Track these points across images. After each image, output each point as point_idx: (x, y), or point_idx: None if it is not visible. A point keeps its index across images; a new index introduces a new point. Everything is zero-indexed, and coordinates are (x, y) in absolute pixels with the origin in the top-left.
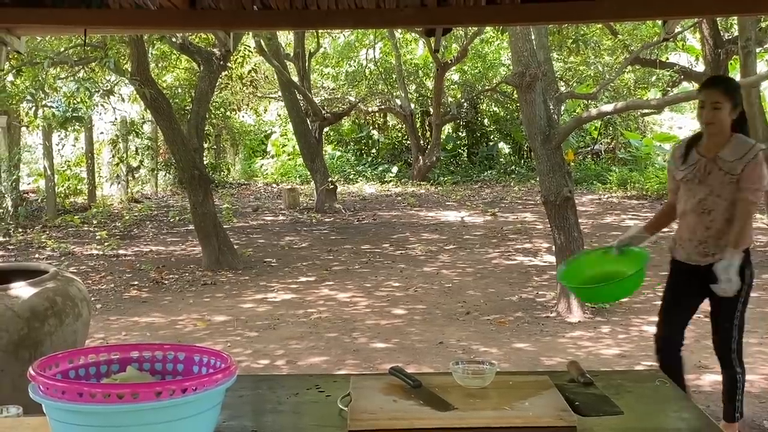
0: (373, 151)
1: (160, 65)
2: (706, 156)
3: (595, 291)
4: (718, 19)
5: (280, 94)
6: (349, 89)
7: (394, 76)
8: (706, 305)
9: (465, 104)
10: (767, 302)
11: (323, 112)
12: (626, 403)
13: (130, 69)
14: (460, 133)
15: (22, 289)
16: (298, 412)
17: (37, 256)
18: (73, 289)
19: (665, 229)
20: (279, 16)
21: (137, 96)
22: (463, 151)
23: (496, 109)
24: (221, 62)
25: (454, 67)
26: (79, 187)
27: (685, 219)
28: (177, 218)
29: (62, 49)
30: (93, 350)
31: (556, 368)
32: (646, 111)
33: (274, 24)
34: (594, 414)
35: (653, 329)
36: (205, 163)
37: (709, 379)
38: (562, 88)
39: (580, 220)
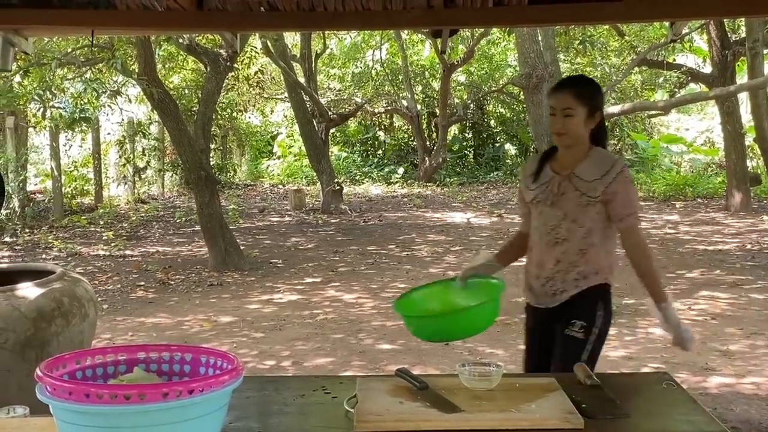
0: (380, 152)
1: (167, 66)
2: (561, 173)
3: (433, 322)
4: (725, 20)
5: (286, 95)
6: (356, 90)
7: (400, 77)
8: (712, 307)
9: (471, 105)
10: None
11: (329, 113)
12: (633, 405)
13: (137, 70)
14: (466, 134)
15: (29, 290)
16: (305, 413)
17: (44, 256)
18: (80, 290)
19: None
20: (286, 17)
21: (144, 97)
22: (470, 152)
23: (502, 110)
24: (228, 63)
25: (460, 68)
26: (85, 188)
27: (534, 251)
28: (183, 219)
29: (69, 50)
30: (100, 351)
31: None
32: (653, 112)
33: (281, 25)
34: (601, 416)
35: (660, 331)
36: (211, 163)
37: (715, 381)
38: None
39: None
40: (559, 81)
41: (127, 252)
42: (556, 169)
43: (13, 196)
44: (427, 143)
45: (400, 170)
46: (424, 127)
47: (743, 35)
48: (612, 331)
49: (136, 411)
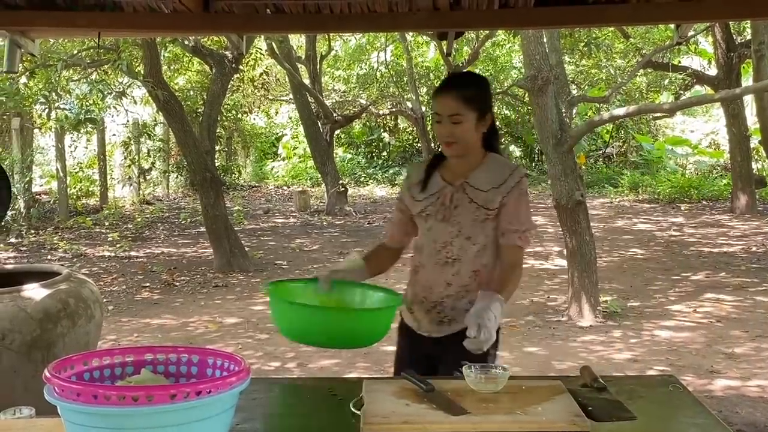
0: (384, 153)
1: (172, 67)
2: (453, 183)
3: (316, 316)
4: (731, 22)
5: (291, 96)
6: (360, 92)
7: (405, 79)
8: (717, 309)
9: None
10: None
11: (334, 114)
12: (639, 408)
13: (142, 71)
14: None
15: (35, 291)
16: (311, 415)
17: (49, 257)
18: (86, 291)
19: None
20: (292, 19)
21: (149, 98)
22: None
23: (507, 112)
24: (233, 65)
25: (465, 70)
26: (91, 189)
27: (421, 272)
28: (188, 220)
29: (75, 52)
30: (107, 352)
31: (568, 372)
32: (658, 114)
33: (287, 27)
34: (607, 419)
35: (665, 333)
36: (216, 165)
37: (720, 384)
38: (574, 91)
39: (591, 224)
40: (442, 82)
41: (132, 253)
42: (447, 179)
43: (18, 197)
44: (432, 145)
45: (405, 172)
46: (428, 128)
47: (749, 37)
48: (617, 333)
49: (143, 412)
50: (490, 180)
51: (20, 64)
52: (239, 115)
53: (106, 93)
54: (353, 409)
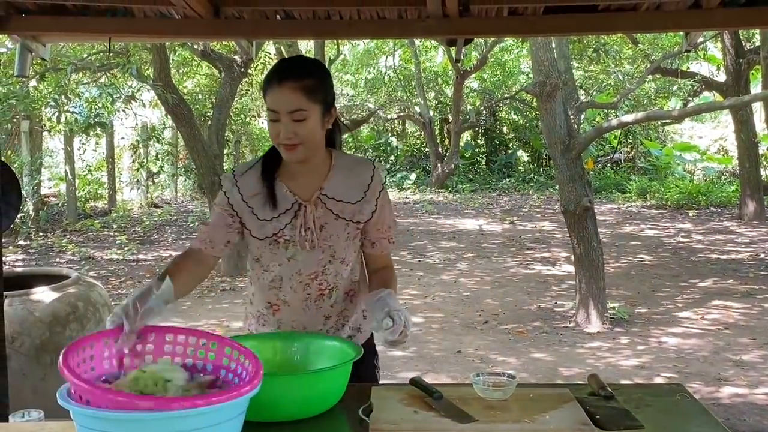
0: (392, 158)
1: (180, 71)
2: (306, 197)
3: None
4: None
5: None
6: (369, 96)
7: (413, 84)
8: (724, 316)
9: (484, 112)
10: None
11: (342, 118)
12: (647, 417)
13: (151, 75)
14: (478, 141)
15: (44, 294)
16: (319, 421)
17: (57, 260)
18: (95, 295)
19: None
20: (302, 25)
21: (158, 101)
22: (482, 158)
23: (515, 117)
24: (242, 69)
25: (473, 75)
26: (99, 192)
27: (284, 310)
28: (196, 224)
29: (85, 56)
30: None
31: (575, 379)
32: (666, 120)
33: (297, 33)
34: (615, 428)
35: (673, 340)
36: (224, 169)
37: (727, 391)
38: (582, 97)
39: (599, 230)
40: (274, 70)
41: (141, 256)
42: (296, 191)
43: (27, 199)
44: (440, 149)
45: (413, 176)
46: (436, 133)
47: (758, 44)
48: (624, 339)
49: (156, 418)
50: (351, 187)
51: (31, 68)
52: (247, 119)
53: (115, 96)
54: (362, 416)
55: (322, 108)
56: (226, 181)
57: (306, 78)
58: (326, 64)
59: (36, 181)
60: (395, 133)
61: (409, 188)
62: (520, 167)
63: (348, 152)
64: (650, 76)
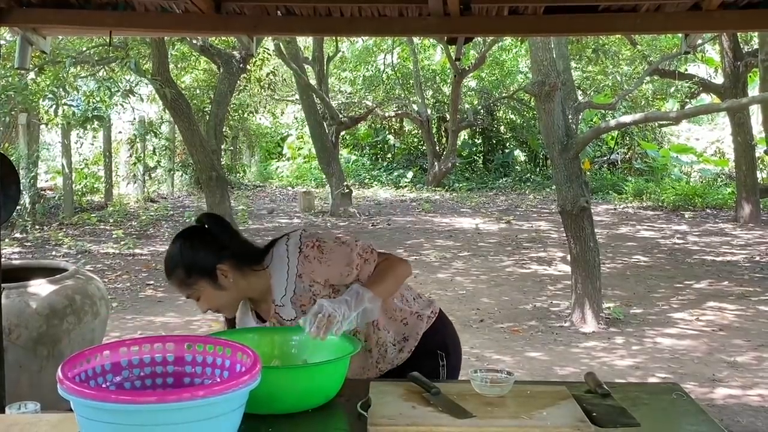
0: (389, 155)
1: (179, 66)
2: (268, 317)
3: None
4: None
5: (297, 97)
6: (367, 94)
7: (411, 82)
8: (719, 318)
9: (481, 111)
10: None
11: (340, 116)
12: (643, 415)
13: (150, 69)
14: (476, 140)
15: (41, 287)
16: (317, 416)
17: (53, 253)
18: (92, 288)
19: None
20: (302, 21)
21: (156, 96)
22: (479, 157)
23: (512, 116)
24: (241, 65)
25: (471, 74)
26: (96, 186)
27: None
28: (193, 219)
29: (84, 49)
30: (148, 340)
31: (569, 378)
32: (663, 122)
33: (298, 29)
34: (611, 425)
35: (667, 341)
36: (221, 164)
37: (722, 392)
38: (580, 97)
39: (595, 230)
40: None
41: (137, 250)
42: (262, 317)
43: (24, 192)
44: (437, 148)
45: (410, 174)
46: (434, 131)
47: (756, 46)
48: (619, 340)
49: (157, 409)
50: (283, 283)
51: (30, 61)
52: (245, 115)
53: (113, 90)
54: (360, 410)
55: (206, 280)
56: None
57: (173, 273)
58: (325, 61)
59: (33, 174)
60: (393, 131)
61: (406, 186)
62: (517, 167)
63: (271, 244)
64: (648, 78)
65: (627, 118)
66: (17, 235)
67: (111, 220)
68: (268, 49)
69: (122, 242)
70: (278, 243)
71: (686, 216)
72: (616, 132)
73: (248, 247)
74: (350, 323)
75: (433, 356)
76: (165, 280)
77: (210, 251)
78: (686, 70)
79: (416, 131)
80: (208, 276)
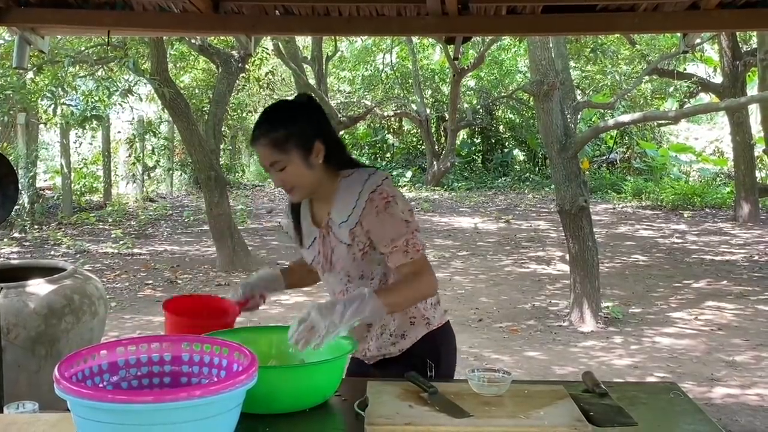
0: (388, 155)
1: (178, 65)
2: (320, 225)
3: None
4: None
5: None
6: (365, 93)
7: (410, 81)
8: (718, 317)
9: (480, 110)
10: None
11: (339, 115)
12: (641, 414)
13: (148, 69)
14: (475, 140)
15: (40, 286)
16: (315, 415)
17: (52, 253)
18: (91, 287)
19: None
20: (301, 21)
21: (154, 95)
22: (478, 157)
23: (511, 116)
24: (240, 64)
25: (470, 74)
26: (95, 186)
27: None
28: (192, 218)
29: (83, 49)
30: (145, 339)
31: (568, 377)
32: (662, 121)
33: (296, 29)
34: (608, 425)
35: (666, 340)
36: (220, 163)
37: (720, 392)
38: (579, 97)
39: (594, 229)
40: (255, 124)
41: (136, 250)
42: (316, 221)
43: (22, 192)
44: (436, 147)
45: (408, 174)
46: (433, 131)
47: (755, 46)
48: (618, 339)
49: (154, 409)
50: (343, 210)
51: (29, 60)
52: (244, 114)
53: (112, 90)
54: (357, 410)
55: (300, 152)
56: (284, 218)
57: (271, 132)
58: (323, 60)
59: (32, 174)
60: (392, 130)
61: (405, 186)
62: (516, 166)
63: (361, 167)
64: (647, 77)
65: (626, 118)
66: (16, 234)
67: (110, 220)
68: (266, 49)
69: (121, 242)
70: (361, 171)
71: (685, 215)
72: (615, 131)
73: (342, 145)
74: (344, 330)
75: (422, 363)
76: (255, 144)
77: (314, 125)
78: (685, 69)
79: (415, 131)
80: (304, 148)
